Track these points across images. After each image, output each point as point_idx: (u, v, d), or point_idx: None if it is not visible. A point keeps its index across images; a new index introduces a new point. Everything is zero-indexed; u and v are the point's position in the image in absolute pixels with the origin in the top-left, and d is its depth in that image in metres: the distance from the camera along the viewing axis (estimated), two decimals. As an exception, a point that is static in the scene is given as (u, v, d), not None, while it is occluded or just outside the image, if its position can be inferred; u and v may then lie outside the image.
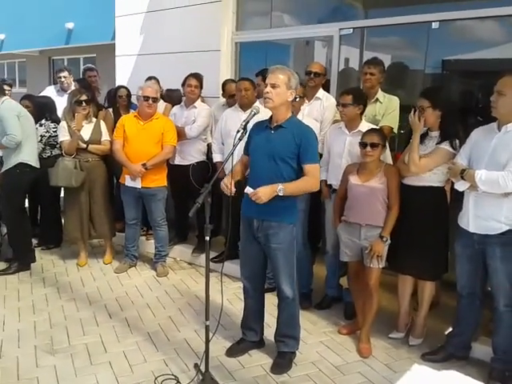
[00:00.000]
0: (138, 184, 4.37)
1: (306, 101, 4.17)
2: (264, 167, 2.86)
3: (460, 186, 2.92)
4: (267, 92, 2.80)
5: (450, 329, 3.27)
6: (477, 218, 2.88)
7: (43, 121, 4.90)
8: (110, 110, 5.17)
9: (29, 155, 4.44)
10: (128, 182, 4.41)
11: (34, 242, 5.09)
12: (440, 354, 3.20)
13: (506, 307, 2.89)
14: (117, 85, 5.68)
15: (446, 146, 3.11)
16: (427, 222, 3.20)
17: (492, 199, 2.80)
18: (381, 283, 3.62)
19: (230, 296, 4.08)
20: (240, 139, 2.80)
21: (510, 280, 2.84)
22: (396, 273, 3.46)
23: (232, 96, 4.58)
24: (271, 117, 2.93)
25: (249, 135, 2.96)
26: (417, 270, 3.32)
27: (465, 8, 3.93)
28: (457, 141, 3.09)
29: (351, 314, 3.67)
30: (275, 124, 2.89)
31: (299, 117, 3.83)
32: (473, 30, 4.18)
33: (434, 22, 4.06)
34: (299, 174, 2.87)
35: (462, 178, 2.88)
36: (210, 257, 4.59)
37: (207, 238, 2.72)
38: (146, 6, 5.95)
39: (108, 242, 4.94)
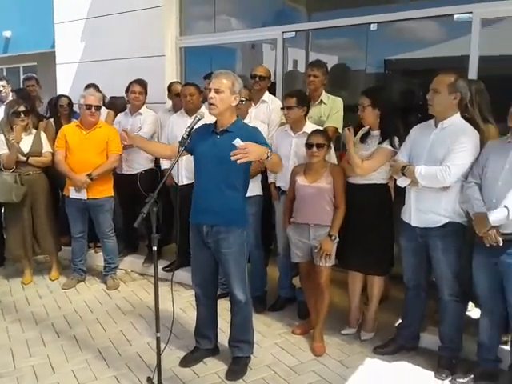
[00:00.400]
0: (83, 195, 4.23)
1: (253, 104, 4.19)
2: (212, 172, 2.82)
3: (402, 182, 3.01)
4: (211, 98, 2.78)
5: (400, 321, 3.35)
6: (418, 212, 2.97)
7: None
8: (51, 120, 4.99)
9: None
10: (72, 193, 4.26)
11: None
12: (391, 347, 3.27)
13: (450, 296, 2.99)
14: (58, 93, 5.50)
15: (386, 145, 3.19)
16: (372, 219, 3.27)
17: (431, 193, 2.89)
18: (332, 280, 3.67)
19: (184, 304, 4.01)
20: (185, 146, 2.77)
21: (452, 270, 2.94)
22: (345, 270, 3.50)
23: (178, 95, 4.52)
24: (216, 121, 2.90)
25: (193, 137, 2.87)
26: (365, 267, 3.38)
27: (401, 10, 4.07)
28: (396, 139, 3.18)
29: (305, 313, 3.69)
30: (221, 129, 2.87)
31: (247, 120, 3.85)
32: (411, 31, 4.33)
33: (372, 23, 4.18)
34: (248, 174, 2.90)
35: (403, 174, 2.96)
36: (163, 266, 4.59)
37: (154, 249, 2.66)
38: (86, 12, 5.81)
39: (54, 257, 4.75)
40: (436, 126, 2.94)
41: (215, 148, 2.83)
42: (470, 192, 2.75)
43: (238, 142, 2.50)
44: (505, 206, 2.54)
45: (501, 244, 2.58)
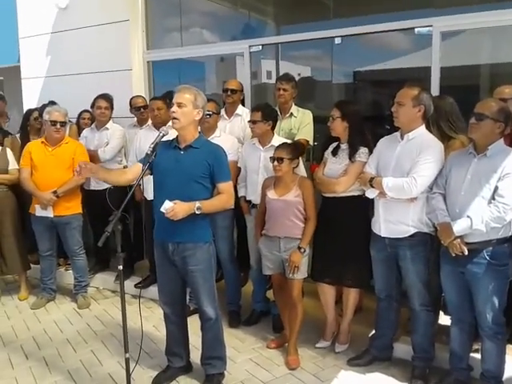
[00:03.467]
0: (49, 213, 4.14)
1: (226, 117, 4.19)
2: (175, 188, 2.78)
3: (370, 193, 3.04)
4: (174, 112, 2.76)
5: (373, 332, 3.36)
6: (387, 223, 3.00)
7: None
8: (18, 135, 4.87)
9: None
10: (38, 211, 4.17)
11: None
12: (364, 358, 3.29)
13: (420, 306, 3.02)
14: (25, 109, 5.39)
15: (359, 158, 3.22)
16: (350, 231, 3.27)
17: (399, 204, 2.92)
18: (307, 292, 3.68)
19: (157, 322, 3.93)
20: (150, 162, 2.74)
21: (422, 280, 2.98)
22: (316, 282, 3.49)
23: (138, 108, 4.54)
24: (177, 137, 2.88)
25: (155, 154, 2.85)
26: (340, 279, 3.37)
27: (364, 23, 4.14)
28: (362, 150, 3.21)
29: (279, 326, 3.68)
30: (184, 144, 2.85)
31: (217, 133, 3.84)
32: (376, 43, 4.42)
33: (336, 37, 4.24)
34: (211, 192, 2.86)
35: (371, 185, 2.99)
36: (134, 283, 4.51)
37: (120, 267, 2.61)
38: (51, 26, 5.73)
39: (22, 277, 4.64)
40: (402, 138, 2.99)
41: (179, 164, 2.80)
42: (434, 202, 2.80)
43: (167, 203, 2.65)
44: (468, 216, 2.59)
45: (466, 253, 2.62)
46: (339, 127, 3.29)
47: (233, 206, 3.47)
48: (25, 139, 4.75)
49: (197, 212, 2.71)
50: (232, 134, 4.08)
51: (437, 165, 2.86)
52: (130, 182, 3.04)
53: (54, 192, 4.08)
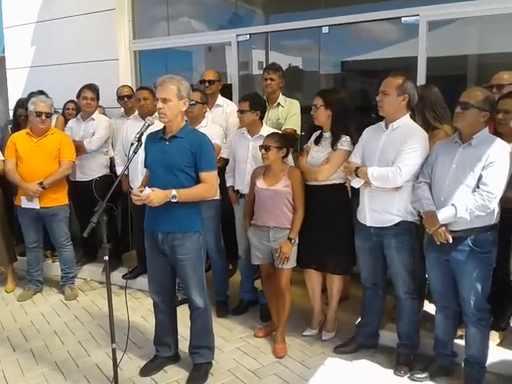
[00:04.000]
0: (35, 205, 4.11)
1: (208, 108, 4.17)
2: (163, 179, 2.79)
3: (355, 183, 3.05)
4: (160, 108, 2.75)
5: (359, 319, 3.39)
6: (372, 212, 3.01)
7: None
8: (10, 126, 4.82)
9: None
10: (24, 203, 4.13)
11: None
12: (351, 346, 3.32)
13: (405, 294, 3.06)
14: (10, 99, 5.33)
15: (341, 146, 3.23)
16: (331, 218, 3.29)
17: (384, 193, 2.94)
18: (294, 281, 3.69)
19: (145, 312, 3.95)
20: (135, 152, 2.72)
21: (407, 268, 3.00)
22: (302, 269, 3.51)
23: (122, 98, 4.55)
24: (164, 127, 2.87)
25: (145, 148, 2.89)
26: (323, 265, 3.39)
27: (351, 12, 4.14)
28: (344, 138, 3.23)
29: (266, 315, 3.70)
30: (170, 135, 2.84)
31: (204, 123, 3.82)
32: (363, 33, 4.42)
33: (323, 26, 4.23)
34: (197, 181, 2.85)
35: (357, 175, 3.00)
36: (122, 274, 4.50)
37: (106, 258, 2.60)
38: (36, 16, 5.66)
39: (9, 268, 4.60)
40: (386, 127, 3.00)
41: (165, 155, 2.81)
42: (420, 191, 2.82)
43: (145, 191, 2.69)
44: (452, 205, 2.61)
45: (450, 241, 2.65)
46: (322, 116, 3.29)
47: (217, 197, 3.48)
48: (16, 130, 4.67)
49: (172, 200, 2.70)
50: (215, 124, 4.06)
51: (421, 154, 2.87)
52: None
53: (40, 183, 4.04)
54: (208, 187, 2.83)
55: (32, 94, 4.54)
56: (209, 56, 5.58)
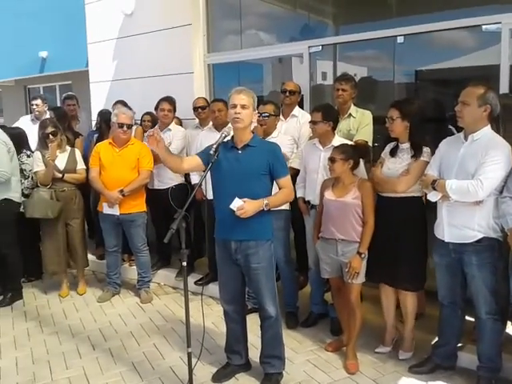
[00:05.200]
0: (115, 211, 4.34)
1: (283, 118, 4.22)
2: (238, 186, 2.85)
3: (432, 196, 2.95)
4: (238, 113, 2.83)
5: (436, 339, 3.27)
6: (451, 228, 2.90)
7: (28, 152, 4.78)
8: (96, 135, 5.13)
9: (15, 191, 4.43)
10: (106, 209, 4.37)
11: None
12: (427, 366, 3.20)
13: (487, 315, 2.90)
14: (93, 111, 5.68)
15: (422, 157, 3.15)
16: (407, 233, 3.20)
17: (464, 208, 2.82)
18: (366, 297, 3.62)
19: (215, 319, 4.03)
20: (212, 162, 2.82)
21: (489, 287, 2.86)
22: (376, 284, 3.44)
23: (196, 109, 4.69)
24: (232, 137, 2.94)
25: (209, 157, 2.90)
26: (395, 280, 3.31)
27: (428, 21, 4.02)
28: (425, 149, 3.15)
29: (337, 329, 3.65)
30: (242, 144, 2.92)
31: (275, 134, 3.87)
32: (440, 41, 4.28)
33: (399, 36, 4.15)
34: (270, 188, 2.94)
35: (434, 188, 2.91)
36: (195, 279, 4.64)
37: (184, 264, 2.70)
38: (117, 32, 5.98)
39: (80, 272, 4.87)
40: (466, 139, 2.88)
41: (239, 163, 2.88)
42: (504, 207, 2.69)
43: (237, 201, 2.77)
44: None
45: None
46: (399, 127, 3.22)
47: (287, 208, 3.52)
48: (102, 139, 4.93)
49: (265, 208, 2.83)
50: (287, 134, 4.10)
51: (504, 166, 2.73)
52: (183, 171, 3.20)
53: (121, 191, 4.26)
54: (288, 191, 2.96)
55: (116, 104, 4.86)
56: (276, 68, 5.64)
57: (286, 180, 2.95)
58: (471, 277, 2.90)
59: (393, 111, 3.22)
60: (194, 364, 2.82)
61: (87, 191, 4.90)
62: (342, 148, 3.28)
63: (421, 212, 3.26)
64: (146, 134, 4.54)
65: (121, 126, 4.25)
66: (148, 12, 5.61)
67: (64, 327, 4.07)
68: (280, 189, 2.96)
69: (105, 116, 5.09)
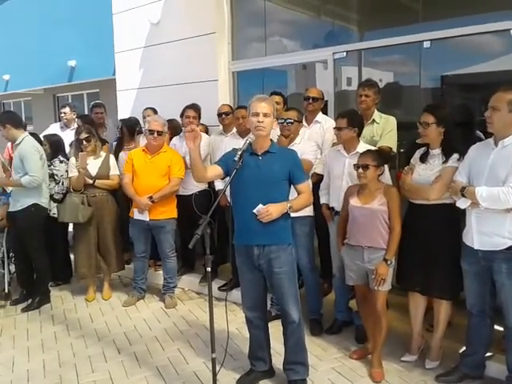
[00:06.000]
0: (145, 217, 4.40)
1: (306, 124, 4.22)
2: (256, 193, 2.87)
3: (461, 203, 2.91)
4: (261, 121, 2.85)
5: (464, 348, 3.20)
6: (480, 235, 2.85)
7: (62, 158, 4.90)
8: (115, 142, 5.24)
9: (44, 197, 4.54)
10: (136, 215, 4.44)
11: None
12: (454, 375, 3.14)
13: (517, 324, 2.84)
14: (119, 118, 5.79)
15: (452, 163, 3.10)
16: (441, 240, 3.15)
17: (494, 215, 2.77)
18: (392, 304, 3.57)
19: (239, 325, 4.03)
20: (236, 169, 2.83)
21: (518, 296, 2.79)
22: (405, 293, 3.39)
23: (220, 115, 4.73)
24: (250, 144, 2.92)
25: (228, 164, 2.93)
26: (429, 288, 3.25)
27: (454, 26, 3.98)
28: (455, 155, 3.10)
29: (362, 337, 3.62)
30: (262, 150, 2.95)
31: (297, 141, 3.87)
32: (467, 46, 4.23)
33: (425, 41, 4.11)
34: (288, 194, 2.98)
35: (463, 195, 2.86)
36: (218, 285, 4.65)
37: (208, 269, 2.72)
38: (143, 41, 6.10)
39: (107, 277, 4.93)
40: (496, 144, 2.84)
41: (259, 169, 2.91)
42: (536, 214, 2.63)
43: (259, 207, 2.84)
44: None
45: None
46: (434, 133, 3.16)
47: (311, 214, 3.50)
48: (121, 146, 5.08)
49: (289, 211, 2.90)
50: (310, 140, 4.09)
51: (537, 173, 2.67)
52: (206, 179, 3.15)
53: (150, 197, 4.32)
54: (307, 196, 3.03)
55: (146, 110, 5.01)
56: (300, 74, 5.64)
57: (306, 185, 3.03)
58: (501, 285, 2.84)
59: (427, 116, 3.16)
60: (217, 369, 2.82)
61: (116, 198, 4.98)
62: (373, 155, 3.25)
63: (454, 218, 3.19)
64: (183, 130, 4.55)
65: (151, 132, 4.31)
66: (174, 21, 5.70)
67: (90, 331, 4.13)
68: (299, 194, 3.00)
69: (128, 123, 5.19)
